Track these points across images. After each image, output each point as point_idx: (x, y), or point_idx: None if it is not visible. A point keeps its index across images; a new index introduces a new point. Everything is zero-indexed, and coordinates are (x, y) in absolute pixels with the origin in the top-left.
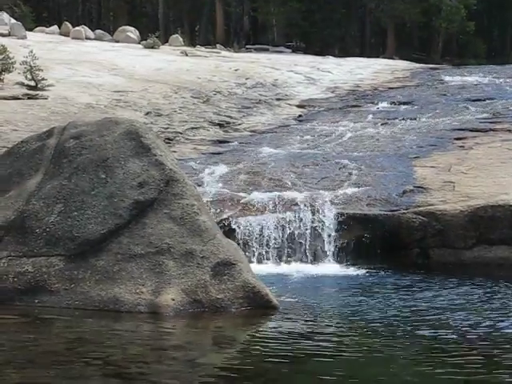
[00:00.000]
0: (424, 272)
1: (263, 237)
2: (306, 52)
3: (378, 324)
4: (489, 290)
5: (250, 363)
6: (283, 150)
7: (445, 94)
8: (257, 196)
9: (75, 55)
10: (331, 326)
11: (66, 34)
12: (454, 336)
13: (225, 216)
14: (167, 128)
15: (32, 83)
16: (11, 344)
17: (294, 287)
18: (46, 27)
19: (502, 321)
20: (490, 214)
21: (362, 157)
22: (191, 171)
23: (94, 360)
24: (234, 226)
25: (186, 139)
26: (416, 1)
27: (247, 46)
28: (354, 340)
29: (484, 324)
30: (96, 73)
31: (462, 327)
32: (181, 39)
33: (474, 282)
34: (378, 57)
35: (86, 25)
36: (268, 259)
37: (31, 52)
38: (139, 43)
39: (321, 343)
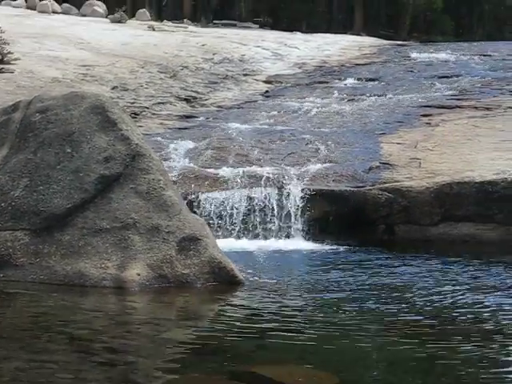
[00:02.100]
0: (389, 248)
1: (230, 212)
2: (273, 28)
3: (343, 300)
4: (452, 266)
5: (214, 338)
6: (250, 125)
7: (412, 71)
8: (223, 171)
9: (42, 29)
10: (297, 301)
11: (33, 8)
12: (415, 311)
13: (191, 191)
14: (133, 103)
15: None
16: None
17: (260, 263)
18: (13, 0)
19: (460, 296)
20: (456, 191)
21: (328, 133)
22: (157, 146)
23: (59, 335)
24: (200, 201)
25: (153, 114)
26: None
27: (214, 22)
28: (319, 316)
29: (444, 300)
30: (63, 47)
31: (423, 303)
32: (148, 14)
33: (438, 259)
34: (345, 33)
35: None
36: (234, 235)
37: None
38: (106, 17)
39: (286, 319)
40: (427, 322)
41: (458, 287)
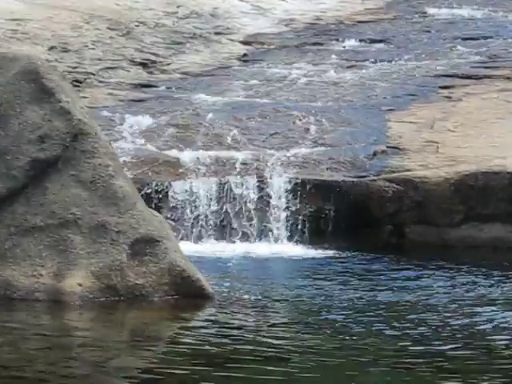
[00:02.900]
0: (398, 255)
1: (197, 208)
2: None
3: (332, 319)
4: (478, 279)
5: (174, 366)
6: (223, 97)
7: (428, 31)
8: (189, 156)
9: None
10: (277, 321)
11: None
12: (437, 338)
13: (148, 180)
14: (76, 67)
15: None
16: None
17: (234, 272)
18: None
19: (495, 317)
20: (483, 183)
21: (322, 108)
22: (106, 123)
23: None
24: (159, 194)
25: (100, 82)
26: None
27: None
28: (302, 339)
29: (475, 324)
30: None
31: (446, 327)
32: None
33: (460, 269)
34: None
35: None
36: (203, 236)
37: None
38: None
39: (263, 344)
40: (456, 353)
41: (489, 306)
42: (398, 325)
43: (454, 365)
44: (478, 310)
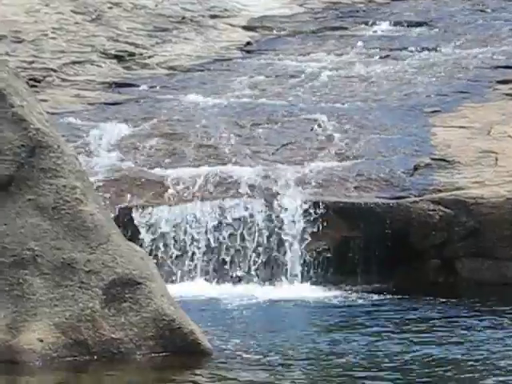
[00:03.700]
0: (448, 296)
1: (188, 239)
2: None
3: (353, 379)
4: None
5: None
6: (221, 98)
7: (482, 10)
8: (178, 174)
9: None
10: (292, 379)
11: None
12: None
13: (126, 206)
14: (32, 62)
15: None
16: None
17: (237, 321)
18: None
19: None
20: None
21: (347, 110)
22: (72, 133)
23: None
24: (140, 222)
25: (64, 80)
26: None
27: None
28: None
29: None
30: None
31: None
32: None
33: None
34: None
35: None
36: (196, 276)
37: None
38: None
39: None
40: None
41: None
42: None
43: None
44: None
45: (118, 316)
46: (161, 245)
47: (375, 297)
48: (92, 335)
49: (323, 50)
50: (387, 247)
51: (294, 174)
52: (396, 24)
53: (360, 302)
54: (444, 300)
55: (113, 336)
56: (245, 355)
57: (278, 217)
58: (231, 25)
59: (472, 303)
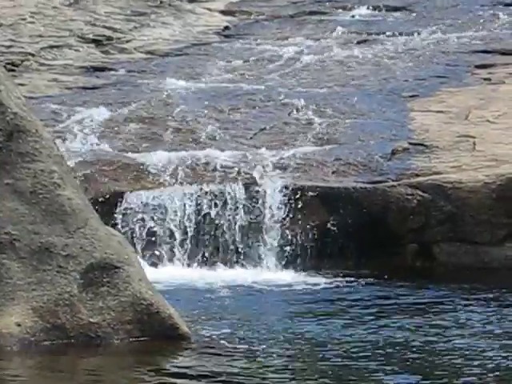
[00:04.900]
0: (424, 282)
1: (166, 224)
2: None
3: (334, 366)
4: None
5: None
6: (199, 83)
7: None
8: (156, 158)
9: None
10: (266, 368)
11: None
12: None
13: (104, 190)
14: (10, 46)
15: None
16: None
17: (215, 305)
18: None
19: None
20: None
21: (326, 95)
22: (50, 117)
23: None
24: (117, 207)
25: (42, 65)
26: None
27: None
28: None
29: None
30: None
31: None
32: None
33: (504, 299)
34: None
35: None
36: (174, 260)
37: None
38: None
39: None
40: None
41: None
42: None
43: None
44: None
45: (96, 300)
46: (140, 228)
47: (354, 281)
48: (70, 319)
49: (301, 34)
50: (365, 232)
51: (273, 159)
52: (374, 8)
53: (338, 286)
54: (421, 284)
55: (91, 320)
56: (222, 339)
57: (256, 201)
58: (209, 9)
59: (449, 288)
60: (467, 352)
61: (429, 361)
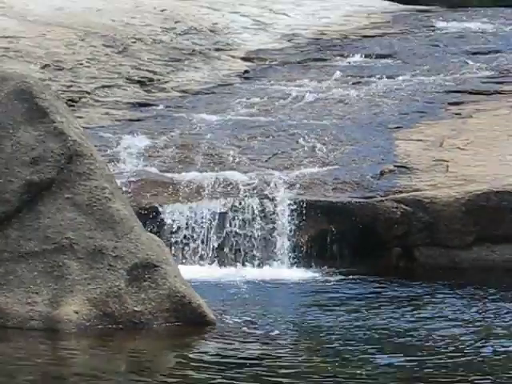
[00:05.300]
0: (407, 278)
1: (197, 231)
2: None
3: (338, 345)
4: (490, 303)
5: None
6: (224, 116)
7: (437, 45)
8: (189, 177)
9: None
10: (280, 348)
11: None
12: (453, 368)
13: (146, 203)
14: (71, 86)
15: None
16: None
17: (236, 297)
18: None
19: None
20: (495, 203)
21: (327, 126)
22: (102, 143)
23: None
24: (158, 217)
25: (96, 101)
26: None
27: None
28: (305, 367)
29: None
30: None
31: (437, 352)
32: None
33: (473, 293)
34: None
35: None
36: (203, 260)
37: None
38: None
39: (268, 370)
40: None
41: (495, 332)
42: (393, 351)
43: None
44: (483, 335)
45: (139, 293)
46: (175, 234)
47: (349, 278)
48: (118, 308)
49: (307, 77)
50: (358, 237)
51: (283, 178)
52: (366, 56)
53: (336, 281)
54: (404, 281)
55: (135, 309)
56: (243, 327)
57: (269, 213)
58: (232, 56)
59: (428, 284)
60: (443, 337)
61: (413, 344)
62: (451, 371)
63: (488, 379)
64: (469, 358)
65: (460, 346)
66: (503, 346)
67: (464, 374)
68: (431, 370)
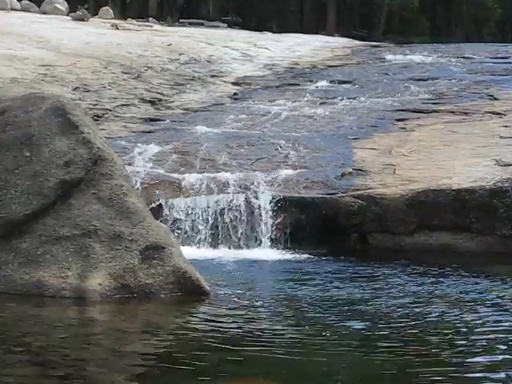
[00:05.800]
0: (362, 258)
1: (195, 220)
2: (242, 27)
3: (310, 312)
4: (426, 277)
5: (178, 351)
6: (217, 129)
7: (386, 73)
8: (189, 177)
9: None
10: (264, 314)
11: None
12: (394, 328)
13: (155, 197)
14: (96, 104)
15: None
16: None
17: (227, 273)
18: None
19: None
20: (432, 199)
21: (299, 137)
22: (121, 150)
23: (15, 347)
24: (164, 208)
25: (116, 116)
26: None
27: (181, 20)
28: (286, 328)
29: (414, 311)
30: (21, 45)
31: (389, 317)
32: (111, 12)
33: (415, 270)
34: (317, 33)
35: None
36: (200, 243)
37: None
38: (68, 15)
39: (253, 331)
40: (406, 337)
41: (434, 300)
42: (352, 315)
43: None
44: (420, 302)
45: (150, 269)
46: (178, 222)
47: (317, 258)
48: (133, 281)
49: (283, 98)
50: (324, 226)
51: (265, 178)
52: (331, 82)
53: (306, 261)
54: (361, 260)
55: (146, 282)
56: (232, 296)
57: (254, 206)
58: (224, 81)
59: (379, 263)
60: (394, 305)
61: (372, 312)
62: (402, 331)
63: (430, 335)
64: (414, 320)
65: (406, 312)
66: (440, 310)
67: (411, 332)
68: (385, 332)
